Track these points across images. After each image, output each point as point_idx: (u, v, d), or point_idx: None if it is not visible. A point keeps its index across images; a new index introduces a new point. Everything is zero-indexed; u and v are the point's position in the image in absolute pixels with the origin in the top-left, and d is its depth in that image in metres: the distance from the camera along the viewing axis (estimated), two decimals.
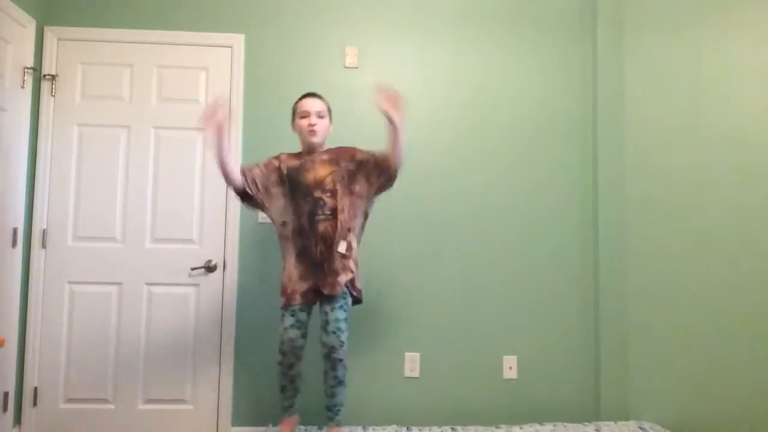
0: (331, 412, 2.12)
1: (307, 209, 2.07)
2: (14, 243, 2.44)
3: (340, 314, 2.06)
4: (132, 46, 2.68)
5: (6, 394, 2.40)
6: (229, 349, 2.60)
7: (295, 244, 2.10)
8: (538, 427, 2.47)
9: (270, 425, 2.54)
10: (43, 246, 2.58)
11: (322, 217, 2.06)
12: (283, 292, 2.11)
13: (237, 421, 2.59)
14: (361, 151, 2.17)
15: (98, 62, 2.67)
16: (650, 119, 2.74)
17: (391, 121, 1.97)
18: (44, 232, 2.59)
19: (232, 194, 2.17)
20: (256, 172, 2.14)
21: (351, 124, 2.67)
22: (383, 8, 2.79)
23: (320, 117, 2.15)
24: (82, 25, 2.67)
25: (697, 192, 2.68)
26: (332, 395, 2.10)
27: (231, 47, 2.71)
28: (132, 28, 2.69)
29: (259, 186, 2.13)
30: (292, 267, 2.11)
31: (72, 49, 2.66)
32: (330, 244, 2.05)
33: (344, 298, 2.09)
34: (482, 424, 2.55)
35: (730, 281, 2.61)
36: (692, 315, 2.63)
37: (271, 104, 2.71)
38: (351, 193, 2.12)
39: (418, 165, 2.72)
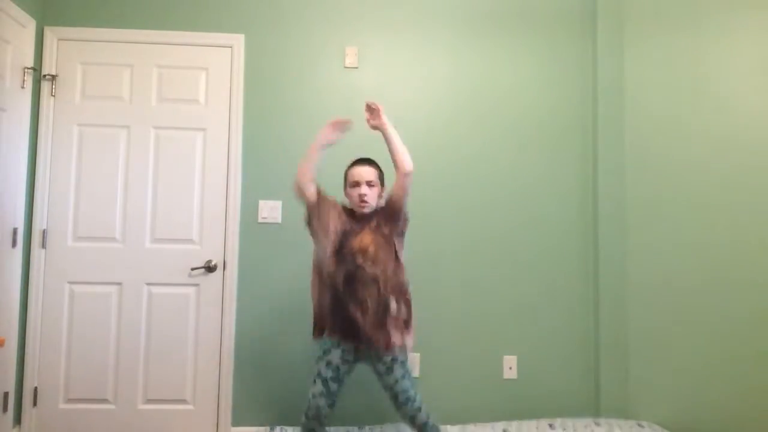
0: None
1: (344, 273, 2.02)
2: (14, 243, 2.44)
3: (407, 383, 2.02)
4: (132, 46, 2.68)
5: (6, 394, 2.40)
6: (229, 349, 2.61)
7: (331, 296, 2.06)
8: (538, 426, 2.47)
9: (270, 425, 2.54)
10: (43, 246, 2.58)
11: (360, 285, 2.00)
12: (319, 320, 2.10)
13: (237, 421, 2.59)
14: (384, 204, 2.12)
15: (98, 62, 2.67)
16: (650, 119, 2.74)
17: (378, 129, 2.03)
18: (44, 232, 2.59)
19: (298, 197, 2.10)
20: (334, 210, 2.09)
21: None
22: (383, 8, 2.79)
23: (370, 186, 2.09)
24: (82, 25, 2.67)
25: (697, 191, 2.68)
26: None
27: (231, 47, 2.71)
28: (132, 28, 2.69)
29: (330, 222, 2.07)
30: (325, 303, 2.07)
31: (72, 49, 2.66)
32: (368, 312, 2.00)
33: (403, 362, 2.04)
34: (482, 424, 2.55)
35: (731, 281, 2.61)
36: (692, 315, 2.63)
37: (271, 104, 2.71)
38: (391, 249, 2.06)
39: (418, 165, 2.71)
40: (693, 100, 2.71)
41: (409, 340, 2.08)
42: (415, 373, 2.65)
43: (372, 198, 2.10)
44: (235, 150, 2.67)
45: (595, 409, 2.65)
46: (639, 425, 2.46)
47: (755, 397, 2.55)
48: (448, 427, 2.47)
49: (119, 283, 2.60)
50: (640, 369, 2.64)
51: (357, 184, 2.08)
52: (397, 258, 2.08)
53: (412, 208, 2.68)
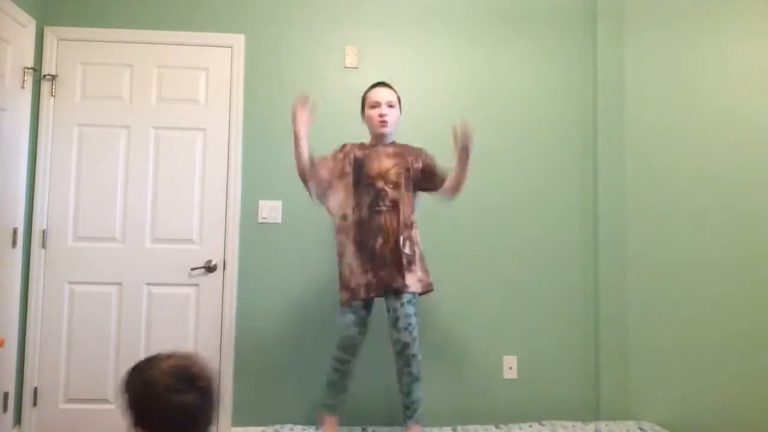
0: (409, 410, 2.07)
1: (369, 200, 2.05)
2: (14, 243, 2.44)
3: (410, 309, 2.03)
4: (132, 46, 2.68)
5: (6, 394, 2.40)
6: (229, 349, 2.60)
7: (355, 237, 2.06)
8: (538, 427, 2.47)
9: (271, 425, 2.54)
10: (43, 246, 2.58)
11: (383, 208, 2.03)
12: (346, 286, 2.07)
13: (237, 421, 2.59)
14: (428, 156, 2.16)
15: (98, 62, 2.66)
16: (650, 119, 2.73)
17: (459, 153, 1.99)
18: (44, 232, 2.59)
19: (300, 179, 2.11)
20: (330, 164, 2.12)
21: (351, 124, 2.67)
22: (383, 8, 2.79)
23: (390, 107, 2.12)
24: (82, 25, 2.67)
25: (697, 194, 2.67)
26: (409, 392, 2.05)
27: (231, 47, 2.71)
28: (132, 28, 2.69)
29: (325, 177, 2.10)
30: (351, 259, 2.07)
31: (72, 49, 2.66)
32: (388, 236, 2.03)
33: (412, 293, 2.06)
34: (482, 424, 2.55)
35: (730, 282, 2.61)
36: (692, 315, 2.63)
37: (271, 104, 2.71)
38: (409, 189, 2.11)
39: None
40: (693, 100, 2.71)
41: (416, 279, 2.08)
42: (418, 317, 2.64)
43: (392, 119, 2.11)
44: (235, 150, 2.67)
45: (595, 409, 2.65)
46: (640, 429, 2.46)
47: (755, 398, 2.54)
48: (448, 427, 2.47)
49: (119, 283, 2.60)
50: (640, 369, 2.63)
51: (377, 104, 2.10)
52: (411, 193, 2.10)
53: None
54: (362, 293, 2.04)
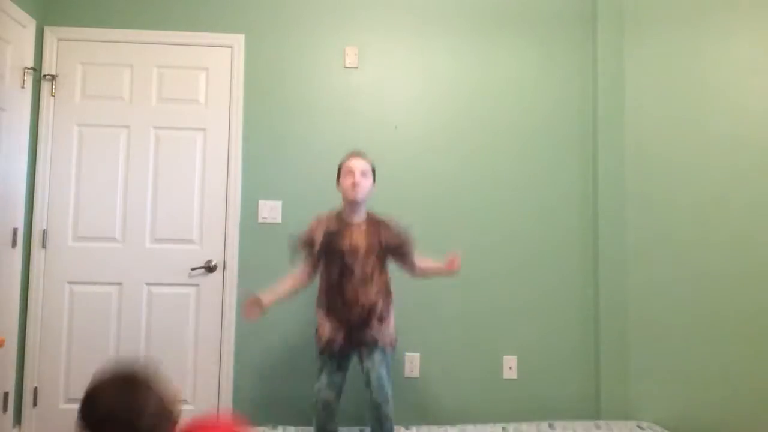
0: None
1: (338, 271, 2.10)
2: (14, 243, 2.44)
3: (382, 371, 2.07)
4: (132, 46, 2.68)
5: (6, 394, 2.40)
6: (229, 349, 2.60)
7: (325, 302, 2.15)
8: (538, 427, 2.47)
9: (270, 425, 2.54)
10: (43, 246, 2.58)
11: (351, 284, 2.08)
12: (318, 339, 2.16)
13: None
14: (401, 236, 2.19)
15: (98, 62, 2.66)
16: (650, 118, 2.74)
17: (445, 272, 2.16)
18: (44, 232, 2.59)
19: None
20: (315, 240, 2.16)
21: (351, 124, 2.68)
22: (383, 8, 2.79)
23: (364, 176, 2.15)
24: (82, 25, 2.67)
25: (697, 190, 2.68)
26: None
27: (231, 47, 2.71)
28: (132, 28, 2.69)
29: (311, 266, 2.18)
30: (323, 319, 2.15)
31: (72, 49, 2.65)
32: (362, 307, 2.08)
33: (384, 352, 2.10)
34: (482, 424, 2.55)
35: (730, 281, 2.61)
36: (692, 315, 2.63)
37: (271, 104, 2.71)
38: (380, 260, 2.15)
39: (418, 166, 2.72)
40: (692, 100, 2.72)
41: (387, 333, 2.14)
42: (415, 373, 2.65)
43: (364, 187, 2.14)
44: (235, 150, 2.67)
45: (595, 409, 2.65)
46: (640, 429, 2.46)
47: (755, 398, 2.55)
48: (448, 427, 2.47)
49: (119, 283, 2.60)
50: (640, 369, 2.63)
51: (351, 172, 2.13)
52: (384, 264, 2.17)
53: (411, 208, 2.69)
54: (335, 350, 2.10)
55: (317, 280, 2.20)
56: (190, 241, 2.64)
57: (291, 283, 2.18)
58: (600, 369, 2.64)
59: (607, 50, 2.77)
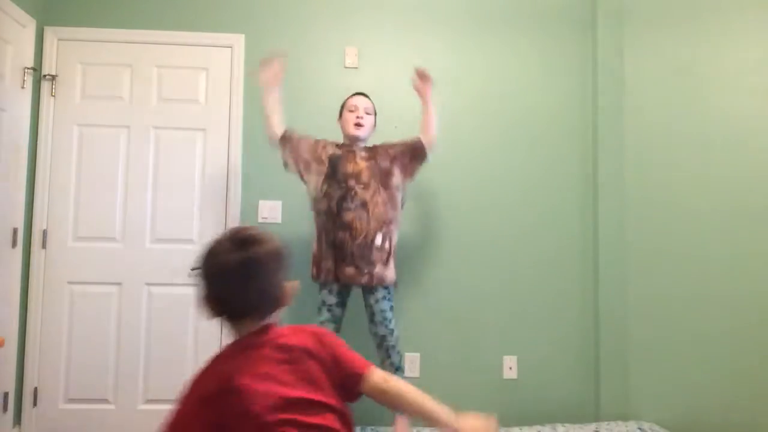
0: None
1: (338, 195, 2.14)
2: (14, 243, 2.44)
3: (384, 305, 2.15)
4: (132, 46, 2.68)
5: (6, 394, 2.40)
6: None
7: (323, 226, 2.18)
8: (538, 427, 2.47)
9: None
10: (43, 246, 2.58)
11: (351, 206, 2.12)
12: (315, 264, 2.20)
13: None
14: (393, 145, 2.26)
15: (98, 62, 2.66)
16: (650, 118, 2.73)
17: (421, 95, 2.22)
18: (44, 232, 2.59)
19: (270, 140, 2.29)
20: (307, 142, 2.25)
21: None
22: (383, 8, 2.79)
23: (367, 113, 2.25)
24: (82, 25, 2.67)
25: (697, 191, 2.68)
26: None
27: (231, 47, 2.71)
28: (132, 28, 2.69)
29: (304, 155, 2.23)
30: (321, 250, 2.19)
31: (72, 49, 2.65)
32: (356, 233, 2.11)
33: (386, 288, 2.17)
34: None
35: (730, 281, 2.61)
36: (692, 315, 2.63)
37: None
38: (388, 187, 2.19)
39: None
40: (692, 99, 2.71)
41: (391, 274, 2.19)
42: (415, 372, 2.65)
43: (367, 124, 2.24)
44: (235, 150, 2.67)
45: (595, 410, 2.65)
46: (640, 429, 2.46)
47: (755, 399, 2.54)
48: None
49: (119, 283, 2.60)
50: (640, 369, 2.63)
51: (355, 107, 2.24)
52: (390, 193, 2.19)
53: (411, 207, 2.69)
54: (330, 278, 2.16)
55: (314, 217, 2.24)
56: (190, 241, 2.64)
57: (275, 117, 2.24)
58: (600, 369, 2.64)
59: (607, 50, 2.76)
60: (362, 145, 2.26)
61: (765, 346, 2.56)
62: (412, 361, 2.65)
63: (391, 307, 2.19)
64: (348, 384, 1.11)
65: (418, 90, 2.24)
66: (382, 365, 2.17)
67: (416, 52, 2.78)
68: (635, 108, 2.74)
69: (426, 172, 2.70)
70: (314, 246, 2.23)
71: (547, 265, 2.73)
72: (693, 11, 2.75)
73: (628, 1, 2.79)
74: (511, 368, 2.67)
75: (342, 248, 2.12)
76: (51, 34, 2.63)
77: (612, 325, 2.65)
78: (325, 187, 2.18)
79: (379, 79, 2.75)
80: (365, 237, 2.12)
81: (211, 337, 2.61)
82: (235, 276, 1.04)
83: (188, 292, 2.62)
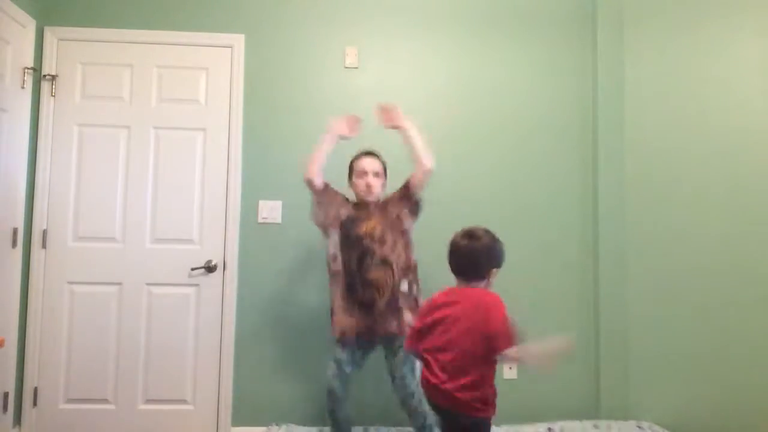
0: None
1: (357, 255, 2.12)
2: (14, 243, 2.44)
3: (406, 370, 2.11)
4: (132, 46, 2.68)
5: (6, 394, 2.40)
6: (229, 349, 2.60)
7: (344, 285, 2.15)
8: (538, 427, 2.47)
9: (270, 425, 2.54)
10: (43, 246, 2.58)
11: (373, 266, 2.10)
12: (334, 328, 2.16)
13: (237, 421, 2.59)
14: (397, 191, 2.24)
15: (98, 62, 2.66)
16: (650, 117, 2.73)
17: (398, 128, 2.16)
18: (44, 232, 2.59)
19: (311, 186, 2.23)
20: (338, 200, 2.24)
21: None
22: (383, 8, 2.79)
23: (376, 176, 2.20)
24: (82, 25, 2.67)
25: (697, 191, 2.67)
26: None
27: (231, 47, 2.71)
28: (132, 28, 2.69)
29: (333, 211, 2.20)
30: (339, 300, 2.15)
31: (72, 49, 2.65)
32: (383, 292, 2.10)
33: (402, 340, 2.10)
34: None
35: (730, 282, 2.61)
36: (692, 315, 2.63)
37: (271, 104, 2.71)
38: (403, 233, 2.19)
39: None
40: (692, 98, 2.71)
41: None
42: (415, 373, 2.64)
43: (377, 187, 2.20)
44: (235, 150, 2.67)
45: (595, 410, 2.65)
46: (640, 429, 2.46)
47: (755, 398, 2.54)
48: None
49: (119, 283, 2.60)
50: (640, 369, 2.63)
51: (364, 173, 2.19)
52: (406, 239, 2.19)
53: None
54: (351, 339, 2.13)
55: (332, 269, 2.20)
56: (190, 241, 2.64)
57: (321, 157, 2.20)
58: (600, 369, 2.64)
59: (607, 50, 2.77)
60: (374, 203, 2.23)
61: (766, 346, 2.56)
62: (412, 361, 2.65)
63: (413, 369, 2.10)
64: (491, 352, 1.62)
65: (391, 125, 2.17)
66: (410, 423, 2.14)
67: (416, 51, 2.78)
68: (635, 107, 2.74)
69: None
70: (334, 304, 2.18)
71: (548, 264, 2.73)
72: (693, 13, 2.74)
73: (629, 3, 2.79)
74: (511, 368, 2.67)
75: (371, 306, 2.10)
76: (51, 34, 2.63)
77: (612, 326, 2.65)
78: (342, 249, 2.16)
79: (379, 79, 2.75)
80: (392, 292, 2.10)
81: (211, 337, 2.61)
82: (457, 254, 1.74)
83: (188, 292, 2.62)
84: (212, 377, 2.60)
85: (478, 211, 2.72)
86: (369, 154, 2.25)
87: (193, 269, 2.60)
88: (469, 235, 1.73)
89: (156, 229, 2.63)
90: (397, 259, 2.13)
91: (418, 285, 2.21)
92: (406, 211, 2.20)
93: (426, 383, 1.68)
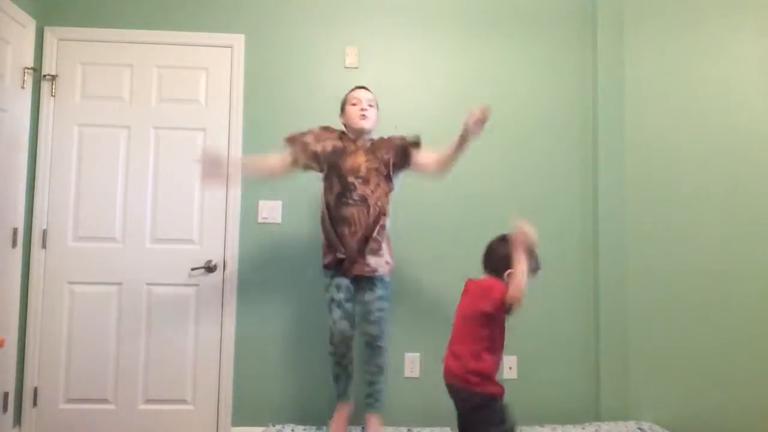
0: (371, 398, 2.22)
1: (337, 190, 2.14)
2: (14, 243, 2.44)
3: (383, 304, 2.16)
4: (132, 46, 2.68)
5: (6, 394, 2.40)
6: (229, 349, 2.60)
7: (324, 219, 2.19)
8: (538, 427, 2.47)
9: (270, 425, 2.54)
10: (43, 246, 2.58)
11: (350, 201, 2.12)
12: (324, 255, 2.21)
13: (237, 421, 2.59)
14: (395, 138, 2.25)
15: (98, 62, 2.66)
16: (650, 117, 2.73)
17: (469, 134, 2.06)
18: (44, 232, 2.59)
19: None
20: (308, 138, 2.25)
21: None
22: (383, 8, 2.79)
23: (370, 105, 2.24)
24: (82, 25, 2.67)
25: (697, 191, 2.68)
26: (373, 382, 2.20)
27: (231, 47, 2.71)
28: (132, 28, 2.69)
29: (310, 150, 2.22)
30: (325, 241, 2.20)
31: (72, 49, 2.65)
32: (356, 228, 2.12)
33: (382, 282, 2.18)
34: None
35: (730, 281, 2.61)
36: (693, 315, 2.63)
37: (271, 104, 2.71)
38: (387, 179, 2.20)
39: None
40: (692, 98, 2.72)
41: (389, 261, 2.20)
42: (415, 373, 2.65)
43: (372, 116, 2.23)
44: (235, 150, 2.67)
45: (595, 410, 2.65)
46: (640, 429, 2.46)
47: (756, 399, 2.55)
48: (449, 429, 2.47)
49: (119, 283, 2.60)
50: (640, 369, 2.63)
51: (359, 100, 2.23)
52: (389, 186, 2.20)
53: (411, 206, 2.68)
54: (334, 266, 2.17)
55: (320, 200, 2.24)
56: (190, 241, 2.64)
57: (266, 164, 2.26)
58: (600, 369, 2.64)
59: (607, 50, 2.77)
60: (366, 137, 2.25)
61: (765, 347, 2.56)
62: (412, 361, 2.65)
63: (386, 307, 2.19)
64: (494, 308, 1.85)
65: (471, 128, 2.04)
66: (367, 364, 2.20)
67: (416, 51, 2.78)
68: (635, 107, 2.74)
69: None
70: (321, 237, 2.24)
71: (548, 265, 2.71)
72: (693, 13, 2.75)
73: (629, 3, 2.79)
74: (511, 368, 2.67)
75: (342, 242, 2.13)
76: (51, 34, 2.63)
77: (612, 326, 2.65)
78: (325, 179, 2.20)
79: (379, 79, 2.74)
80: (364, 232, 2.12)
81: (211, 337, 2.61)
82: (487, 251, 1.97)
83: (188, 292, 2.62)
84: (212, 377, 2.60)
85: (478, 211, 2.73)
86: (363, 87, 2.30)
87: (193, 269, 2.60)
88: (500, 236, 1.96)
89: (156, 229, 2.63)
90: (375, 201, 2.14)
91: (385, 230, 2.21)
92: (395, 161, 2.21)
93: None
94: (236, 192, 2.66)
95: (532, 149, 2.77)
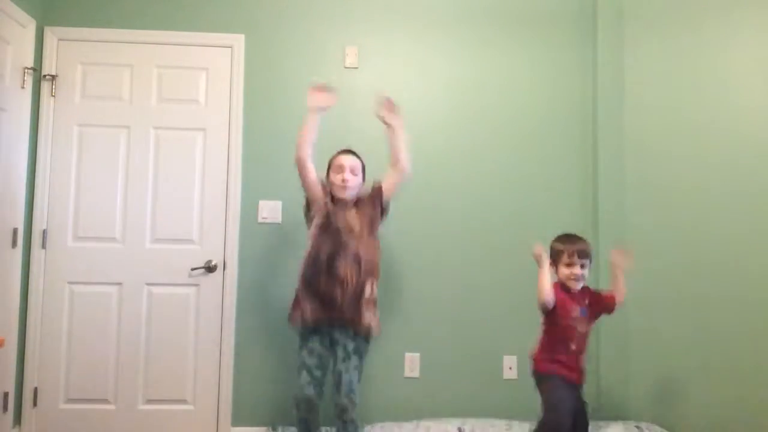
0: None
1: (329, 248, 2.09)
2: (14, 243, 2.44)
3: (354, 377, 2.06)
4: (132, 46, 2.68)
5: (6, 394, 2.40)
6: (229, 349, 2.60)
7: (306, 274, 2.12)
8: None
9: (269, 425, 2.54)
10: (43, 246, 2.58)
11: (344, 261, 2.07)
12: (296, 317, 2.13)
13: (237, 421, 2.59)
14: (371, 188, 2.22)
15: (98, 62, 2.66)
16: (650, 117, 2.73)
17: (388, 125, 2.15)
18: (44, 233, 2.59)
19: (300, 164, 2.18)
20: (319, 181, 2.21)
21: (351, 124, 2.67)
22: (383, 8, 2.79)
23: (353, 174, 2.18)
24: (82, 25, 2.67)
25: (697, 191, 2.67)
26: None
27: (231, 47, 2.71)
28: (132, 28, 2.69)
29: (317, 192, 2.19)
30: (305, 299, 2.11)
31: (72, 49, 2.65)
32: (347, 288, 2.06)
33: (360, 354, 2.10)
34: (482, 424, 2.54)
35: (730, 282, 2.61)
36: (692, 315, 2.63)
37: (271, 104, 2.71)
38: (373, 233, 2.18)
39: (417, 166, 2.70)
40: (692, 98, 2.71)
41: (375, 322, 2.14)
42: (415, 373, 2.65)
43: (354, 184, 2.19)
44: (235, 150, 2.67)
45: (594, 410, 2.65)
46: (639, 426, 2.46)
47: (756, 399, 2.54)
48: (448, 427, 2.47)
49: (119, 283, 2.60)
50: (640, 370, 2.63)
51: (341, 169, 2.18)
52: (377, 241, 2.19)
53: (411, 206, 2.69)
54: (308, 320, 2.09)
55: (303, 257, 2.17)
56: (190, 241, 2.64)
57: (308, 148, 2.16)
58: (600, 369, 2.64)
59: (607, 50, 2.77)
60: (351, 199, 2.21)
61: (766, 347, 2.56)
62: (412, 361, 2.65)
63: (360, 376, 2.09)
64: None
65: (385, 117, 2.15)
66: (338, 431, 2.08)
67: (416, 51, 2.78)
68: (635, 107, 2.74)
69: (425, 172, 2.71)
70: (298, 285, 2.15)
71: None
72: (693, 12, 2.74)
73: (629, 3, 2.79)
74: (511, 368, 2.67)
75: (332, 301, 2.06)
76: (51, 34, 2.63)
77: (612, 326, 2.65)
78: (318, 234, 2.13)
79: (379, 79, 2.75)
80: (355, 289, 2.07)
81: (211, 337, 2.61)
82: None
83: (188, 292, 2.62)
84: (212, 377, 2.60)
85: (477, 211, 2.73)
86: (348, 151, 2.25)
87: (193, 269, 2.60)
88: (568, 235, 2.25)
89: (156, 229, 2.63)
90: (366, 258, 2.11)
91: (374, 289, 2.15)
92: (376, 212, 2.19)
93: None
94: (236, 192, 2.66)
95: (532, 149, 2.77)
